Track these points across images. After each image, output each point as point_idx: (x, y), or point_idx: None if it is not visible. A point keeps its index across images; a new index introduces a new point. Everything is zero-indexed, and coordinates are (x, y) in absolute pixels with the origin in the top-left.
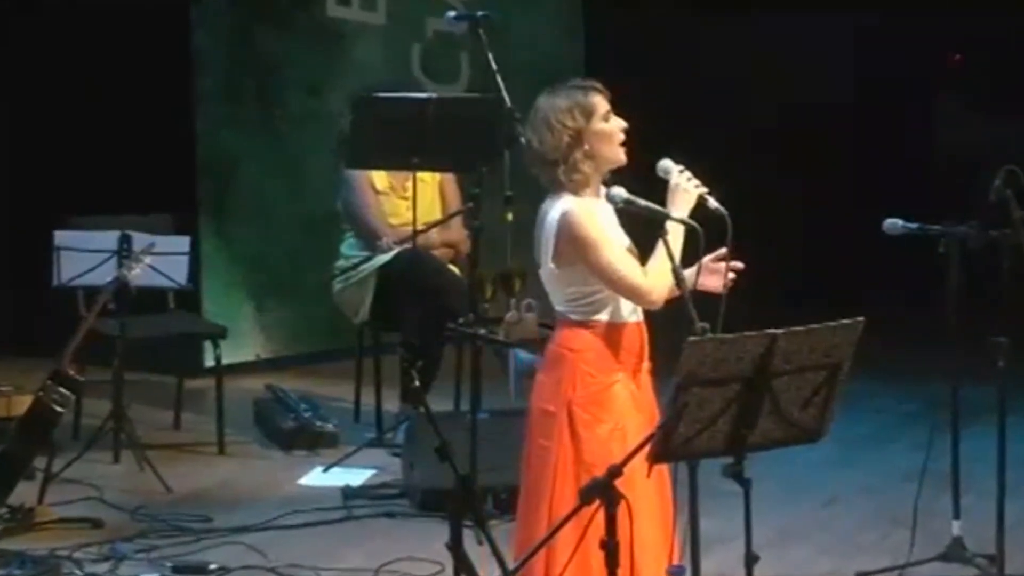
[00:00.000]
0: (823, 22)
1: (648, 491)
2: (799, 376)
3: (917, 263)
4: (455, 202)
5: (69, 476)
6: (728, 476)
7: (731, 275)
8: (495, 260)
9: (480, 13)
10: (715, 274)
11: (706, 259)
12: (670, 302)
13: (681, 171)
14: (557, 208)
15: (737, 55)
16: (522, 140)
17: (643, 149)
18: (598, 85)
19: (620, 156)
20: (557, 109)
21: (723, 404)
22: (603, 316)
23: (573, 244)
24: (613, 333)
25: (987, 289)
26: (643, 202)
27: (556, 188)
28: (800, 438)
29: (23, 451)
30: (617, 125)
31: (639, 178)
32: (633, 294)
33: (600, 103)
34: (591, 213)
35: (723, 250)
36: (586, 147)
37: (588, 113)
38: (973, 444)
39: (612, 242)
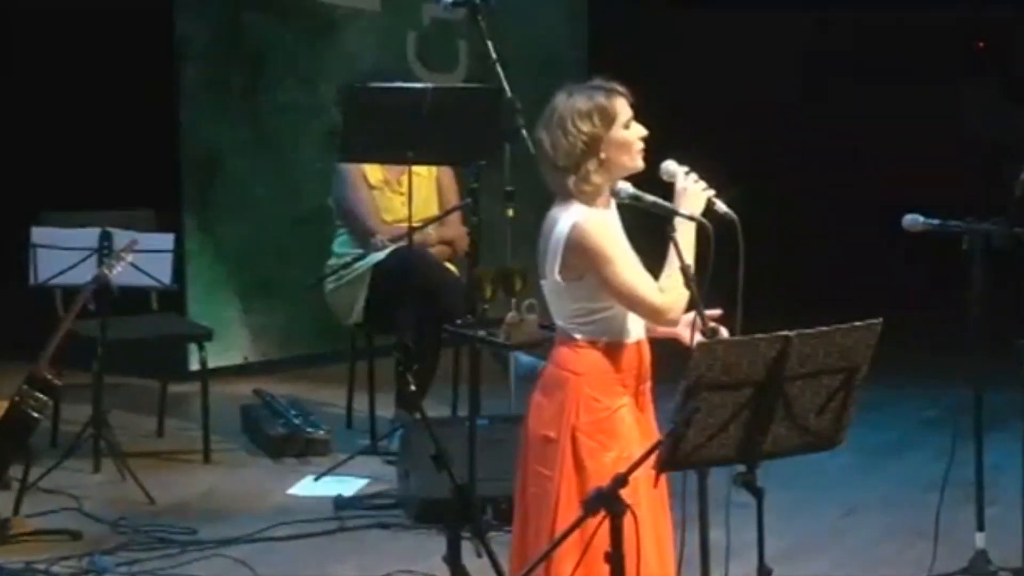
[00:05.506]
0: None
1: (654, 504)
2: (814, 380)
3: (939, 261)
4: (453, 197)
5: (46, 486)
6: (740, 485)
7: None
8: (495, 258)
9: None
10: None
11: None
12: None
13: (687, 173)
14: (567, 218)
15: (751, 44)
16: (537, 138)
17: (649, 147)
18: (621, 88)
19: (637, 164)
20: (575, 111)
21: (734, 409)
22: (605, 336)
23: (583, 257)
24: (614, 353)
25: (1013, 289)
26: (650, 197)
27: (564, 196)
28: (815, 445)
29: None
30: (637, 133)
31: (641, 178)
32: (648, 312)
33: (623, 109)
34: (604, 225)
35: (717, 311)
36: (601, 156)
37: (609, 119)
38: (998, 452)
39: (627, 256)
